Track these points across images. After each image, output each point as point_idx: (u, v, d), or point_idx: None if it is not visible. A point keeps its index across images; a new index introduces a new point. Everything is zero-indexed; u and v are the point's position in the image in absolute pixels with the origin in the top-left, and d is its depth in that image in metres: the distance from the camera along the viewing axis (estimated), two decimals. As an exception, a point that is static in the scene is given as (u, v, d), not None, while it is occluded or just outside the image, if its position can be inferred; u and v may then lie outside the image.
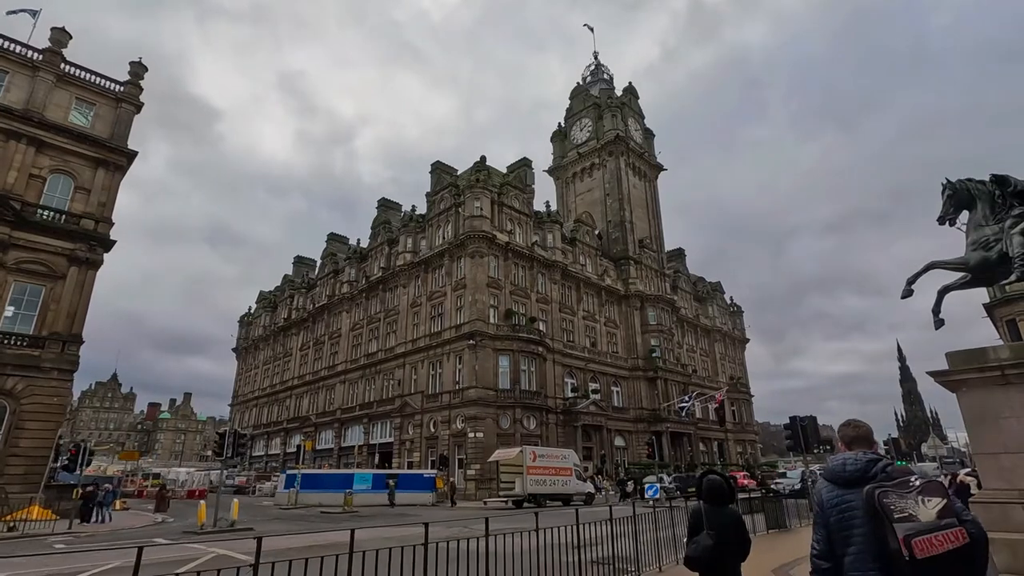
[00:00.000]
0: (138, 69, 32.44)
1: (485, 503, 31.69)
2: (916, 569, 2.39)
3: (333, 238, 70.68)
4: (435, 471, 37.38)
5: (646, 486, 28.58)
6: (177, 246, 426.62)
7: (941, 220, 11.09)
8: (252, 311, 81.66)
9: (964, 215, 11.19)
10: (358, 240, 63.18)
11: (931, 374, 10.26)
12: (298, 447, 36.47)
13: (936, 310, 11.23)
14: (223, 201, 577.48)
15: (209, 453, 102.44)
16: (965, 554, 2.44)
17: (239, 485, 49.55)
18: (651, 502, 25.44)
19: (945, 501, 2.51)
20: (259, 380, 73.63)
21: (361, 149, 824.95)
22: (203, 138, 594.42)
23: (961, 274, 11.03)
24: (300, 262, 78.01)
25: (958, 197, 10.97)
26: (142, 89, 32.43)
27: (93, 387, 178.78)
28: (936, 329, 11.14)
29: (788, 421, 17.54)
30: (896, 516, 2.49)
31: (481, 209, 45.46)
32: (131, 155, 30.97)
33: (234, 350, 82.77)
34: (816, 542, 2.87)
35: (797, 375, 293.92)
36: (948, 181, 11.19)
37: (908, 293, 11.32)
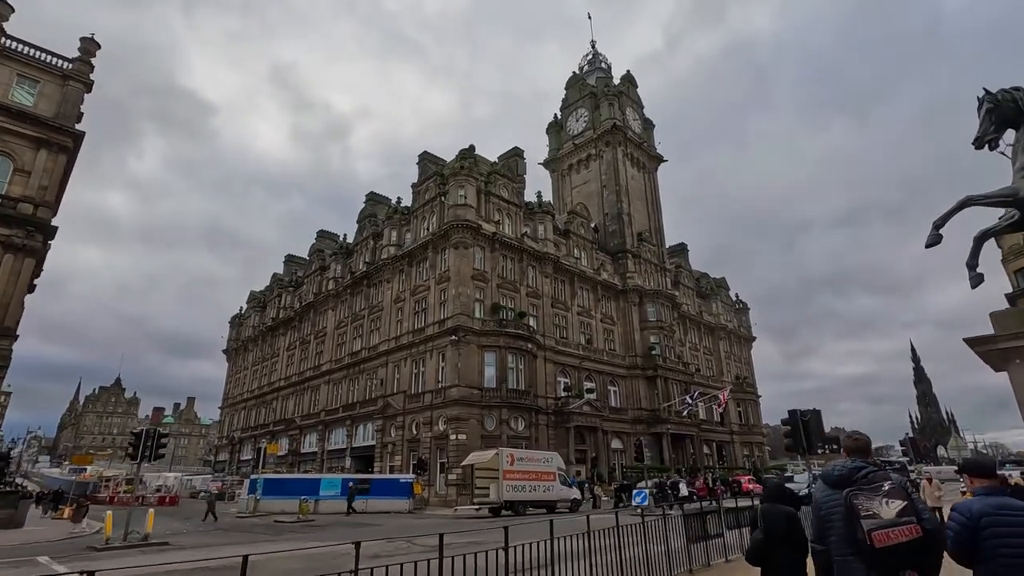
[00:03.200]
0: (89, 46, 30.25)
1: (455, 511, 29.04)
2: (877, 554, 3.10)
3: (323, 235, 68.52)
4: (413, 476, 34.87)
5: (633, 492, 25.96)
6: (177, 248, 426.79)
7: (979, 143, 8.40)
8: (243, 311, 79.68)
9: (1009, 135, 8.57)
10: (344, 235, 61.03)
11: (970, 342, 7.58)
12: (258, 450, 33.99)
13: (973, 263, 8.52)
14: (221, 201, 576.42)
15: (211, 458, 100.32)
16: (920, 544, 3.09)
17: (213, 491, 47.30)
18: (639, 510, 22.77)
19: (906, 503, 3.18)
20: (248, 382, 71.50)
21: (358, 146, 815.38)
22: (198, 133, 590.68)
23: (1005, 211, 8.38)
24: (291, 260, 75.83)
25: (1002, 111, 8.26)
26: (93, 67, 30.25)
27: (97, 392, 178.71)
28: (973, 287, 8.43)
29: (787, 416, 14.74)
30: (863, 514, 3.19)
31: (465, 197, 42.95)
32: (78, 136, 28.78)
33: (225, 351, 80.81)
34: (814, 529, 3.65)
35: (808, 376, 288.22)
36: (987, 92, 8.50)
37: (935, 239, 8.62)
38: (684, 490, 29.48)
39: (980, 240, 8.54)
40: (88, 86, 30.07)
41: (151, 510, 18.51)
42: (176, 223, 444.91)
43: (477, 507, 27.35)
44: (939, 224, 8.56)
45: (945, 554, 3.23)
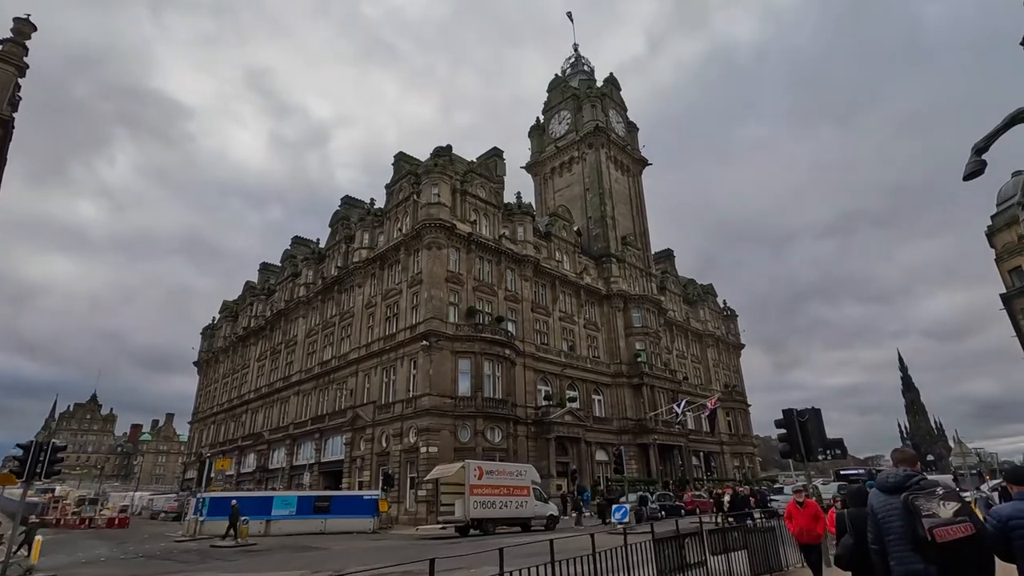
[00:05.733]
0: (23, 27, 27.76)
1: (418, 530, 26.50)
2: (939, 550, 3.45)
3: (297, 241, 65.88)
4: (379, 492, 32.28)
5: (613, 508, 23.62)
6: (154, 259, 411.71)
7: None
8: (215, 322, 76.65)
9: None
10: (317, 240, 58.64)
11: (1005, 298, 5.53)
12: (206, 464, 31.31)
13: (1025, 200, 6.52)
14: (198, 210, 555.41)
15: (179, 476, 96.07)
16: (974, 540, 3.46)
17: (168, 511, 44.46)
18: (619, 527, 20.41)
19: (960, 504, 3.57)
20: (218, 395, 68.31)
21: (338, 154, 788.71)
22: (172, 139, 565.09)
23: None
24: (265, 268, 72.91)
25: None
26: (27, 50, 27.88)
27: (72, 408, 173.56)
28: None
29: (782, 417, 12.57)
30: (924, 513, 3.55)
31: (439, 196, 40.83)
32: (7, 121, 26.32)
33: (196, 364, 77.54)
34: (870, 531, 4.01)
35: (799, 387, 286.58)
36: None
37: (978, 167, 6.61)
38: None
39: None
40: (21, 70, 27.67)
41: (39, 537, 15.96)
42: (152, 233, 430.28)
43: (442, 526, 24.85)
44: (981, 148, 6.51)
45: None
